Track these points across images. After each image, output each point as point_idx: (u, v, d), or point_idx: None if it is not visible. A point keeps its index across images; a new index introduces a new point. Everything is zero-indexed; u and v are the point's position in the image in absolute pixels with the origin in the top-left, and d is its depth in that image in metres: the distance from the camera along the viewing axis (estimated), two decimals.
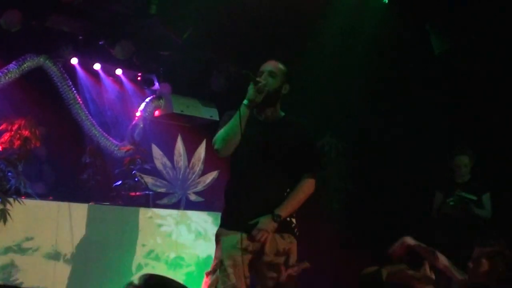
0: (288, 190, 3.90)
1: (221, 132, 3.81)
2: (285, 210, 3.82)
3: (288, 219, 3.89)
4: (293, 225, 3.96)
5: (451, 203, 6.18)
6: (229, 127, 3.78)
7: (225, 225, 3.91)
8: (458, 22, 6.74)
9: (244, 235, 3.75)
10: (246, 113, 3.76)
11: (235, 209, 3.88)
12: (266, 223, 3.75)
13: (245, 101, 3.76)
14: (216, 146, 3.81)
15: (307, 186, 3.93)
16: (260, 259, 3.80)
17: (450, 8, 6.67)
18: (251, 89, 3.77)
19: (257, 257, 3.80)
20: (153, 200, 6.93)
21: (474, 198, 6.14)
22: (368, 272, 3.07)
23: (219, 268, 3.73)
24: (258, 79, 3.82)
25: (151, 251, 6.42)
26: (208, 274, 3.84)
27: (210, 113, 7.95)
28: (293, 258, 3.88)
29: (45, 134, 7.05)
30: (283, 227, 3.85)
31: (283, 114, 4.01)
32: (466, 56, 6.84)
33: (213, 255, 3.96)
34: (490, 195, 6.21)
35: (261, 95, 3.78)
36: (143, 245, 6.38)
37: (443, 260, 3.68)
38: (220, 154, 3.82)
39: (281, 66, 3.96)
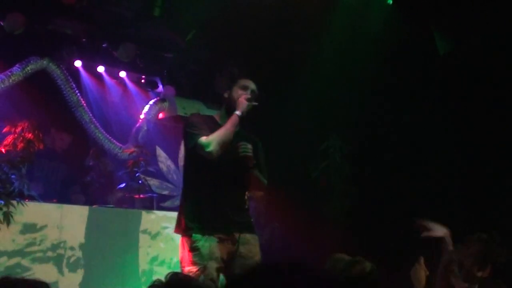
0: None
1: (215, 137, 3.95)
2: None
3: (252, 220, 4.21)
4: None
5: None
6: (224, 133, 3.99)
7: (201, 232, 3.98)
8: (463, 23, 6.71)
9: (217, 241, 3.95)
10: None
11: (211, 217, 4.00)
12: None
13: (239, 113, 4.06)
14: (210, 149, 3.93)
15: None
16: (234, 260, 3.99)
17: (455, 9, 6.64)
18: (247, 105, 4.09)
19: (232, 258, 3.98)
20: (157, 203, 6.91)
21: None
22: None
23: (202, 273, 3.83)
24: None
25: (154, 254, 6.39)
26: None
27: None
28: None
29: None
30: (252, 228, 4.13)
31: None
32: (471, 57, 6.80)
33: None
34: None
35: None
36: (147, 248, 6.36)
37: None
38: (211, 157, 3.94)
39: None
